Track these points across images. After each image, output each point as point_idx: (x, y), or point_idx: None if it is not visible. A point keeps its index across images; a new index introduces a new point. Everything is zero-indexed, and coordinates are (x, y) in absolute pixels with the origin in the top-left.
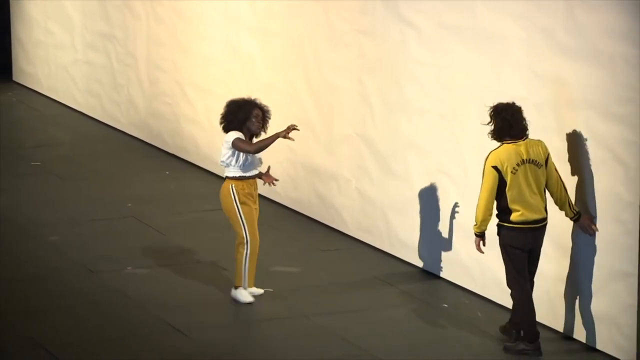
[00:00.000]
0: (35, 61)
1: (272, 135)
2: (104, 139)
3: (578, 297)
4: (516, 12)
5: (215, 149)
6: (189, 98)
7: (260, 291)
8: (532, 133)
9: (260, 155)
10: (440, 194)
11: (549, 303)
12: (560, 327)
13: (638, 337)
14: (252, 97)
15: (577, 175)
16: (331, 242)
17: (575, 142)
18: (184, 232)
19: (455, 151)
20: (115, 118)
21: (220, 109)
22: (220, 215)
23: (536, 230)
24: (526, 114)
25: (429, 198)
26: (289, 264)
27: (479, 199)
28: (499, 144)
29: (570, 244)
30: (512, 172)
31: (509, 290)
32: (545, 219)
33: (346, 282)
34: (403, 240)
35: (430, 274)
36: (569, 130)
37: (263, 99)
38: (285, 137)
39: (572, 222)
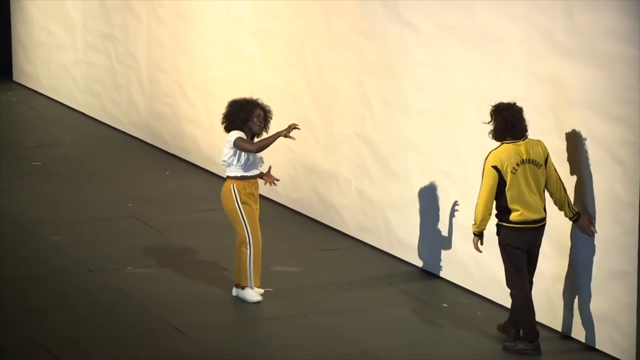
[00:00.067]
0: (36, 61)
1: (273, 134)
2: (105, 139)
3: (577, 296)
4: (515, 13)
5: (216, 149)
6: (189, 98)
7: (261, 291)
8: (531, 133)
9: (261, 154)
10: (439, 193)
11: (548, 303)
12: (559, 326)
13: (637, 336)
14: (254, 97)
15: (577, 176)
16: (331, 242)
17: (575, 142)
18: (185, 232)
19: (454, 151)
20: (116, 118)
21: (220, 109)
22: (221, 215)
23: (535, 230)
24: (525, 114)
25: (428, 198)
26: (289, 263)
27: (478, 199)
28: (498, 143)
29: (569, 244)
30: (512, 171)
31: (509, 290)
32: (544, 219)
33: (346, 282)
34: (403, 240)
35: (429, 274)
36: (568, 131)
37: (263, 100)
38: (286, 136)
39: (571, 222)
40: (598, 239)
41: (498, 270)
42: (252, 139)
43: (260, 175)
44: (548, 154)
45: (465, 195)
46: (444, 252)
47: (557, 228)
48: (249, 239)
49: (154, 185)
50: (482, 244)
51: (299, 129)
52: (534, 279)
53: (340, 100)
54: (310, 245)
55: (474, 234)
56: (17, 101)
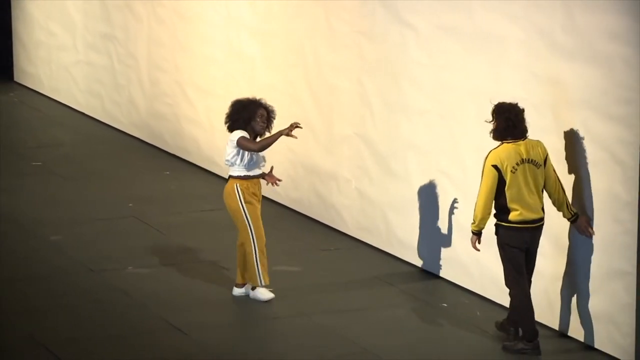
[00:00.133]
0: (37, 62)
1: (275, 133)
2: (105, 140)
3: (576, 296)
4: (514, 13)
5: (216, 149)
6: (189, 98)
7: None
8: (531, 133)
9: (263, 154)
10: (439, 193)
11: (547, 302)
12: (559, 325)
13: (637, 335)
14: (257, 97)
15: (576, 175)
16: (331, 242)
17: (574, 142)
18: (185, 232)
19: (454, 151)
20: (116, 118)
21: (220, 109)
22: (221, 215)
23: (534, 229)
24: (525, 114)
25: (428, 198)
26: (289, 263)
27: (477, 198)
28: (498, 143)
29: (569, 244)
30: (511, 171)
31: (508, 290)
32: (542, 219)
33: (346, 282)
34: (403, 240)
35: (429, 274)
36: (568, 131)
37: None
38: (288, 135)
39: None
40: (597, 239)
41: (498, 270)
42: (255, 139)
43: (262, 176)
44: (547, 155)
45: (465, 195)
46: (443, 252)
47: (557, 228)
48: (253, 239)
49: (154, 185)
50: (479, 242)
51: (301, 127)
52: (532, 279)
53: (340, 100)
54: (310, 245)
55: (472, 232)
56: (18, 101)
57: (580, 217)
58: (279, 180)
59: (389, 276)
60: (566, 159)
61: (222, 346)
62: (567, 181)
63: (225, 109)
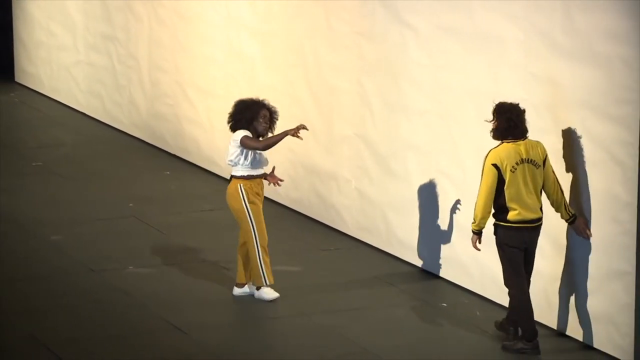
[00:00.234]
0: (38, 62)
1: (281, 133)
2: (106, 140)
3: (576, 295)
4: (514, 14)
5: (216, 149)
6: (190, 99)
7: (254, 288)
8: (530, 133)
9: (266, 156)
10: (439, 193)
11: (546, 302)
12: (558, 325)
13: (636, 335)
14: (260, 98)
15: (575, 176)
16: (331, 242)
17: (573, 142)
18: (185, 232)
19: (454, 151)
20: (117, 119)
21: (221, 109)
22: (221, 215)
23: (532, 229)
24: (525, 114)
25: (428, 198)
26: (289, 263)
27: (478, 197)
28: (497, 142)
29: (568, 244)
30: (511, 170)
31: (507, 290)
32: (540, 219)
33: (346, 282)
34: (402, 240)
35: (429, 274)
36: (567, 131)
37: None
38: (294, 135)
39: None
40: (597, 239)
41: (498, 270)
42: (258, 139)
43: (264, 176)
44: (547, 156)
45: (464, 195)
46: (443, 252)
47: (556, 228)
48: (256, 239)
49: (155, 185)
50: (480, 242)
51: (307, 129)
52: (532, 278)
53: (340, 100)
54: (310, 245)
55: (473, 232)
56: (19, 101)
57: (578, 218)
58: (281, 180)
59: (389, 276)
60: (565, 159)
61: (222, 346)
62: (567, 181)
63: (225, 109)
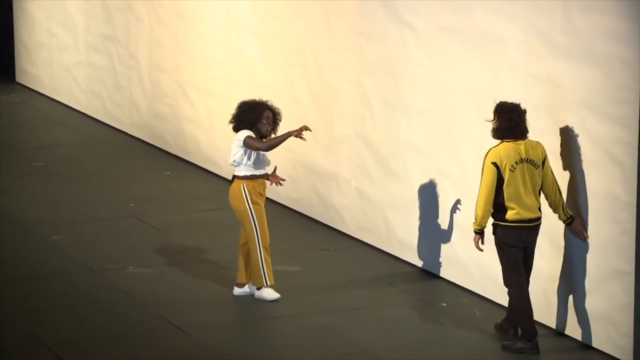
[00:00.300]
0: (38, 62)
1: (284, 134)
2: (107, 140)
3: (575, 295)
4: (513, 14)
5: (216, 149)
6: (190, 99)
7: (254, 288)
8: (530, 133)
9: (269, 156)
10: (439, 193)
11: (546, 301)
12: (557, 325)
13: (635, 335)
14: (264, 99)
15: (575, 176)
16: (331, 242)
17: (573, 142)
18: (185, 231)
19: (454, 151)
20: (118, 119)
21: (221, 109)
22: (221, 215)
23: (531, 229)
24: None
25: (428, 198)
26: (289, 263)
27: (478, 196)
28: (497, 141)
29: (567, 243)
30: (510, 169)
31: (507, 289)
32: (539, 218)
33: (346, 282)
34: (402, 240)
35: (429, 274)
36: (566, 131)
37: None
38: (297, 136)
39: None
40: (596, 239)
41: (497, 270)
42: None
43: (267, 176)
44: (546, 156)
45: (464, 195)
46: (443, 252)
47: (555, 227)
48: (258, 239)
49: (155, 185)
50: (482, 243)
51: (310, 130)
52: (531, 278)
53: (340, 100)
54: (310, 245)
55: (474, 232)
56: (20, 102)
57: (575, 220)
58: (283, 180)
59: (389, 276)
60: (565, 159)
61: (223, 346)
62: (566, 181)
63: (225, 109)
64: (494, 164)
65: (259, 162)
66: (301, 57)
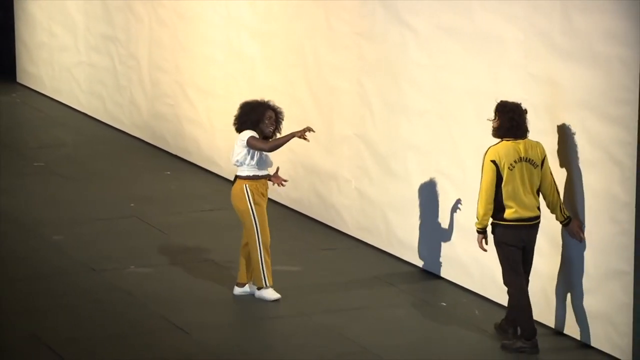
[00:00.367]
0: (39, 63)
1: (288, 135)
2: (107, 140)
3: (575, 295)
4: (513, 14)
5: (216, 149)
6: (190, 99)
7: (254, 287)
8: (529, 134)
9: (271, 157)
10: (439, 193)
11: (545, 301)
12: (556, 324)
13: (634, 335)
14: (265, 99)
15: (574, 176)
16: (331, 242)
17: (572, 142)
18: (186, 231)
19: (454, 151)
20: (118, 119)
21: (221, 109)
22: (221, 215)
23: (530, 227)
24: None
25: (428, 198)
26: (289, 263)
27: (479, 194)
28: (497, 140)
29: (567, 243)
30: (509, 168)
31: (506, 288)
32: (538, 217)
33: (346, 281)
34: (402, 240)
35: (429, 274)
36: (566, 131)
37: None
38: (300, 137)
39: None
40: (595, 239)
41: (497, 270)
42: (264, 140)
43: (268, 177)
44: (545, 156)
45: (464, 195)
46: (443, 252)
47: (555, 227)
48: (259, 240)
49: (155, 185)
50: (487, 242)
51: (313, 131)
52: (530, 277)
53: (340, 100)
54: (310, 245)
55: (477, 231)
56: (20, 102)
57: (572, 220)
58: (285, 180)
59: (389, 276)
60: (564, 158)
61: (223, 346)
62: (565, 181)
63: (225, 109)
64: (493, 162)
65: (262, 163)
66: (301, 57)
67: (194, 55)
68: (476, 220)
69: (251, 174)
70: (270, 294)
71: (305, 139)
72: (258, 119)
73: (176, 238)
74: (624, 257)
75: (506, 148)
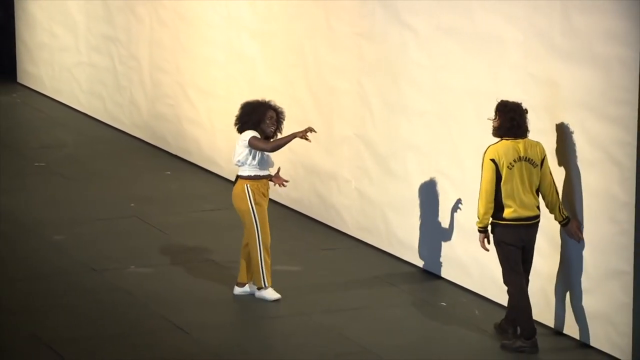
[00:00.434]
0: (40, 63)
1: (289, 135)
2: (107, 140)
3: (574, 295)
4: (513, 15)
5: (217, 149)
6: (190, 100)
7: (254, 287)
8: (529, 134)
9: (272, 156)
10: (439, 193)
11: (545, 301)
12: (556, 324)
13: (633, 335)
14: (266, 99)
15: (573, 176)
16: (331, 242)
17: (572, 142)
18: (186, 231)
19: (453, 151)
20: (119, 119)
21: (221, 110)
22: (222, 215)
23: (529, 227)
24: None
25: (428, 198)
26: (289, 263)
27: (479, 192)
28: (497, 139)
29: (567, 243)
30: (508, 167)
31: (506, 288)
32: (538, 217)
33: (346, 281)
34: (402, 240)
35: (429, 274)
36: (565, 131)
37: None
38: (302, 137)
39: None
40: (595, 239)
41: (497, 270)
42: (266, 140)
43: (270, 177)
44: (545, 156)
45: (464, 195)
46: (443, 252)
47: (554, 227)
48: (259, 240)
49: (156, 185)
50: (489, 242)
51: (315, 132)
52: (530, 277)
53: (340, 101)
54: (310, 245)
55: (478, 230)
56: (21, 102)
57: (571, 221)
58: (286, 181)
59: (389, 276)
60: (564, 159)
61: (223, 345)
62: (565, 181)
63: (226, 109)
64: (492, 160)
65: (264, 163)
66: (301, 57)
67: (194, 55)
68: (477, 219)
69: (252, 174)
70: (270, 294)
71: (307, 139)
72: (259, 119)
73: (176, 238)
74: (623, 257)
75: (505, 147)
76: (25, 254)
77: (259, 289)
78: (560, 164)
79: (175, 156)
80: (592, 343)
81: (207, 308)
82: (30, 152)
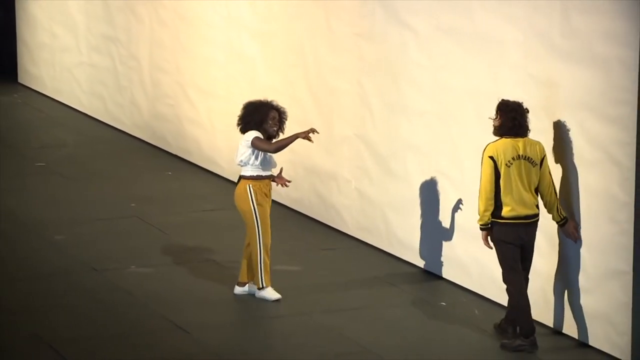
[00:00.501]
0: (40, 63)
1: (292, 136)
2: (108, 140)
3: (573, 294)
4: (513, 15)
5: (217, 149)
6: (191, 100)
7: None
8: (529, 133)
9: (274, 156)
10: (439, 194)
11: (544, 300)
12: (555, 324)
13: (633, 334)
14: (269, 99)
15: (573, 176)
16: (331, 242)
17: (571, 143)
18: (186, 231)
19: (453, 151)
20: (119, 120)
21: (221, 110)
22: (222, 215)
23: (528, 225)
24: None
25: (428, 198)
26: (289, 263)
27: (479, 190)
28: (497, 138)
29: (566, 243)
30: (506, 164)
31: (505, 287)
32: (536, 215)
33: (346, 281)
34: (402, 240)
35: (429, 274)
36: (565, 132)
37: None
38: (305, 138)
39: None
40: (594, 239)
41: (496, 269)
42: (268, 140)
43: (272, 177)
44: (545, 156)
45: (464, 195)
46: (443, 252)
47: (553, 226)
48: (259, 241)
49: (156, 185)
50: (492, 239)
51: (317, 132)
52: (529, 276)
53: (340, 101)
54: (310, 245)
55: (480, 228)
56: (22, 102)
57: (568, 221)
58: (289, 181)
59: (389, 276)
60: (563, 159)
61: (224, 345)
62: (564, 181)
63: (226, 109)
64: (491, 157)
65: (266, 163)
66: (301, 57)
67: (194, 55)
68: (478, 218)
69: (255, 174)
70: (270, 293)
71: (309, 140)
72: (262, 119)
73: (177, 238)
74: (623, 256)
75: (504, 145)
76: (25, 253)
77: (260, 288)
78: (560, 164)
79: (176, 156)
80: (592, 343)
81: (207, 308)
82: (31, 152)
